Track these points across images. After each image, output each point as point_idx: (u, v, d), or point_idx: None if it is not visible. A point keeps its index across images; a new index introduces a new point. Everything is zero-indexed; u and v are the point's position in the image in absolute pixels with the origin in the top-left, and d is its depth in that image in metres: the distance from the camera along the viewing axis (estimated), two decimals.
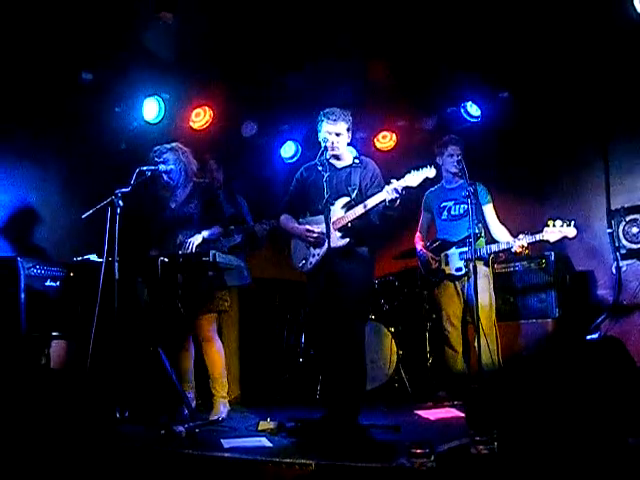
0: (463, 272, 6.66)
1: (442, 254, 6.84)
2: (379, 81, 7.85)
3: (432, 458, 3.32)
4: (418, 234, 7.20)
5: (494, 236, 6.66)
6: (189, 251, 5.84)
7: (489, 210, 6.75)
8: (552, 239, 6.23)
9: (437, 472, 3.37)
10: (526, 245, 6.37)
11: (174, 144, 6.22)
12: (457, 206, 6.85)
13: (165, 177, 6.06)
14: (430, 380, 7.38)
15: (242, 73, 7.47)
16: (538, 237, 6.29)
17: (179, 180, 6.13)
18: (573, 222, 6.21)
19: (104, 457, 4.18)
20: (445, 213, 6.95)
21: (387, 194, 5.11)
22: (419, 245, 7.12)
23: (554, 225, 6.20)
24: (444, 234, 6.91)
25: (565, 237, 6.21)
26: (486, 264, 6.63)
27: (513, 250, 6.44)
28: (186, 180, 6.18)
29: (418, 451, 3.37)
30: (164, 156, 6.07)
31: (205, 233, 5.99)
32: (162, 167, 5.93)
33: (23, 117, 6.69)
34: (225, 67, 7.35)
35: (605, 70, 7.32)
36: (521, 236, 6.40)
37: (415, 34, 6.98)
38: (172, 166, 6.07)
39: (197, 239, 5.92)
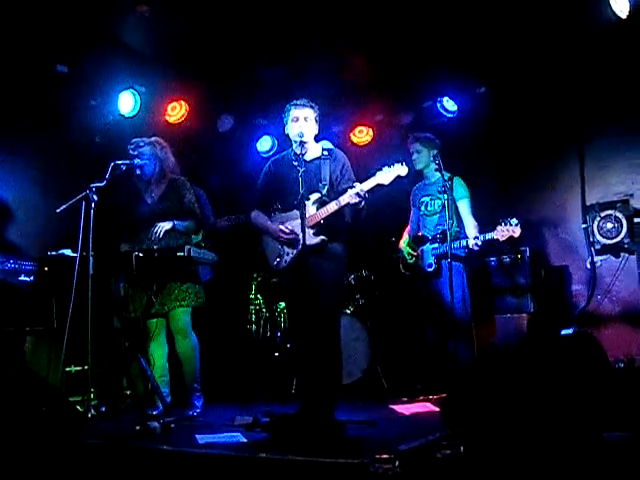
0: (434, 268, 6.69)
1: (419, 249, 6.88)
2: (356, 75, 7.84)
3: (397, 464, 3.31)
4: (406, 230, 7.24)
5: (466, 232, 6.69)
6: (157, 235, 5.82)
7: (462, 205, 6.76)
8: (501, 238, 6.31)
9: (402, 477, 3.36)
10: (480, 244, 6.45)
11: (154, 138, 6.17)
12: (433, 201, 6.88)
13: (137, 171, 6.01)
14: (406, 374, 7.39)
15: (218, 67, 7.45)
16: (488, 236, 6.39)
17: (152, 175, 6.09)
18: (519, 223, 6.25)
19: (76, 454, 4.15)
20: (423, 208, 6.99)
21: (350, 198, 5.06)
22: (401, 241, 7.18)
23: (504, 224, 6.25)
24: (423, 229, 6.96)
25: (511, 237, 6.28)
26: (459, 260, 6.65)
27: (472, 248, 6.51)
28: (161, 176, 6.13)
29: (383, 456, 3.34)
30: (140, 149, 6.02)
31: (176, 222, 5.97)
32: (137, 161, 5.89)
33: None
34: (201, 61, 7.33)
35: (581, 67, 7.37)
36: (476, 234, 6.50)
37: (393, 29, 6.98)
38: (146, 160, 6.02)
39: (167, 225, 5.90)
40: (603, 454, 3.69)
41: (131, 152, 6.00)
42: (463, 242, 6.55)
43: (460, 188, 6.81)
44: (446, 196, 6.40)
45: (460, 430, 3.87)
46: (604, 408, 3.92)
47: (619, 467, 3.54)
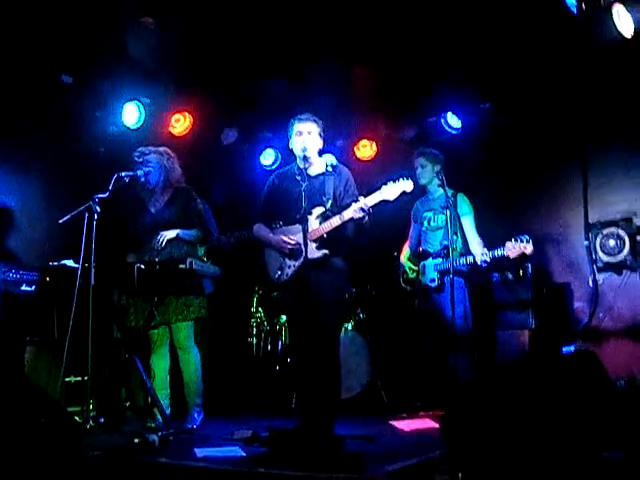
0: (436, 283, 6.69)
1: (420, 264, 6.87)
2: (360, 90, 7.85)
3: None
4: (406, 244, 7.22)
5: (470, 249, 6.68)
6: (160, 244, 5.84)
7: (466, 222, 6.76)
8: (512, 255, 6.29)
9: None
10: (489, 260, 6.43)
11: (162, 148, 6.19)
12: (436, 216, 6.88)
13: (143, 178, 6.02)
14: (406, 390, 7.38)
15: (223, 80, 7.46)
16: (498, 253, 6.36)
17: (157, 184, 6.09)
18: (531, 240, 6.25)
19: (74, 466, 4.14)
20: (425, 223, 6.98)
21: (354, 212, 5.05)
22: (401, 255, 7.16)
23: (515, 241, 6.25)
24: (425, 244, 6.96)
25: (523, 253, 6.26)
26: (461, 276, 6.64)
27: (479, 264, 6.50)
28: (166, 185, 6.14)
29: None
30: (146, 157, 6.04)
31: (180, 231, 5.97)
32: (140, 172, 5.90)
33: (3, 120, 6.63)
34: (206, 73, 7.34)
35: (585, 85, 7.37)
36: (484, 251, 6.47)
37: (398, 44, 6.99)
38: (151, 168, 6.03)
39: (171, 233, 5.92)
40: (603, 473, 3.68)
41: (136, 159, 6.02)
42: (470, 258, 6.54)
43: (464, 204, 6.81)
44: (449, 212, 6.43)
45: (459, 448, 3.86)
46: (604, 427, 3.91)
47: None
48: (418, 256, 6.94)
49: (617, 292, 7.61)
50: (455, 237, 6.64)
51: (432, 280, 6.75)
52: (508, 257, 6.33)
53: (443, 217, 6.65)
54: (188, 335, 6.03)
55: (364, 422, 6.37)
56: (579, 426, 3.76)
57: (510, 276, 7.57)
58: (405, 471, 4.02)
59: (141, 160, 6.01)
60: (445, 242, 6.53)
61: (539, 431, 3.63)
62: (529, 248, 6.24)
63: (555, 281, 8.03)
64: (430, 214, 6.93)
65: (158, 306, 5.83)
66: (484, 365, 6.93)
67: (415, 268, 6.92)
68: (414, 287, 6.95)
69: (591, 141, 7.83)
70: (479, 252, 6.53)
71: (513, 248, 6.26)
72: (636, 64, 6.75)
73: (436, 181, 6.77)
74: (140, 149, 6.11)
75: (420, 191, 6.99)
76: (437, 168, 6.78)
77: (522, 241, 6.23)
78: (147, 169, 6.01)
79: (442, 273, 6.63)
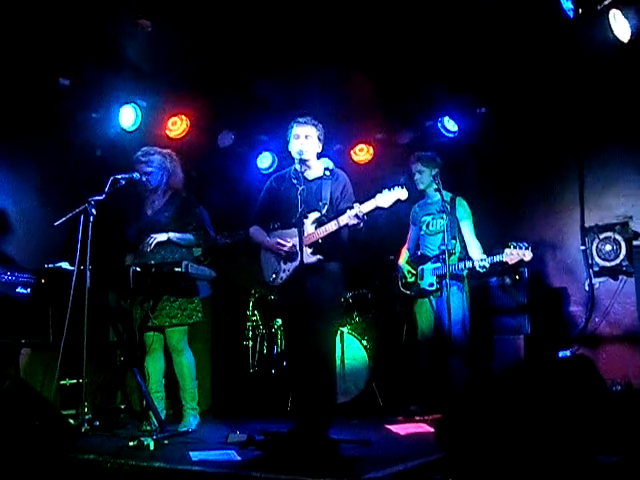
0: (435, 287, 6.69)
1: (419, 268, 6.87)
2: (357, 93, 7.85)
3: None
4: (404, 248, 7.22)
5: (469, 253, 6.68)
6: (149, 244, 5.84)
7: (465, 226, 6.77)
8: (510, 261, 6.33)
9: None
10: (487, 266, 6.45)
11: (166, 151, 6.19)
12: (434, 221, 6.87)
13: (143, 178, 6.00)
14: (402, 394, 7.37)
15: (220, 83, 7.45)
16: (497, 259, 6.39)
17: (158, 185, 6.08)
18: (530, 246, 6.27)
19: (68, 469, 4.13)
20: (424, 227, 6.97)
21: (349, 219, 5.06)
22: (400, 259, 7.16)
23: (513, 247, 6.26)
24: (423, 248, 6.95)
25: (522, 260, 6.29)
26: (460, 280, 6.64)
27: (478, 270, 6.52)
28: (166, 188, 6.13)
29: None
30: (150, 157, 6.03)
31: (171, 234, 5.96)
32: (136, 175, 5.87)
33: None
34: (203, 76, 7.33)
35: (582, 89, 7.38)
36: (483, 257, 6.50)
37: (395, 48, 6.99)
38: (154, 169, 6.02)
39: (161, 236, 5.91)
40: (596, 478, 3.68)
41: (140, 158, 6.01)
42: (469, 263, 6.54)
43: (463, 209, 6.83)
44: (445, 216, 6.45)
45: (454, 452, 3.85)
46: (599, 432, 3.91)
47: None
48: (417, 260, 6.93)
49: (613, 297, 7.62)
50: (454, 241, 6.65)
51: (431, 284, 6.74)
52: (506, 263, 6.35)
53: (442, 221, 6.64)
54: (181, 338, 6.02)
55: (359, 426, 6.38)
56: (574, 431, 3.76)
57: (508, 281, 7.57)
58: (400, 476, 4.02)
59: (145, 160, 6.01)
60: (444, 247, 6.53)
61: (534, 436, 3.63)
62: (528, 255, 6.26)
63: (551, 285, 8.03)
64: (429, 218, 6.93)
65: (153, 309, 5.82)
66: (481, 370, 6.93)
67: (414, 272, 6.91)
68: (412, 291, 6.93)
69: (587, 146, 7.86)
70: (478, 257, 6.54)
71: (512, 254, 6.28)
72: (633, 68, 6.76)
73: (434, 185, 6.77)
74: (145, 148, 6.12)
75: (418, 195, 6.99)
76: (434, 172, 6.79)
77: (521, 248, 6.26)
78: (149, 169, 6.00)
79: (441, 277, 6.61)
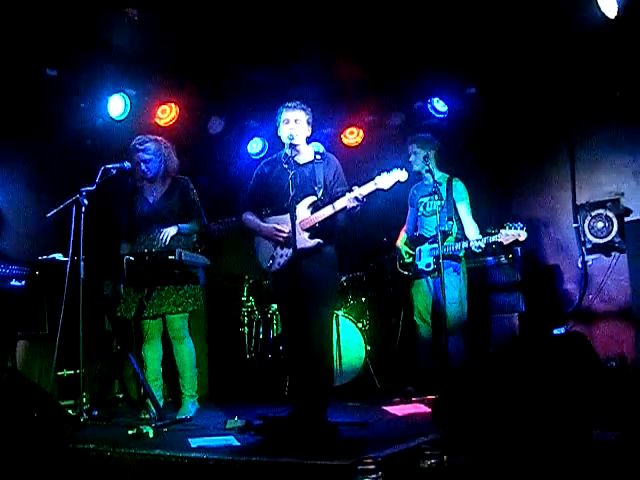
0: (432, 268, 6.71)
1: (417, 249, 6.89)
2: (346, 76, 7.84)
3: (380, 474, 3.29)
4: (403, 229, 7.24)
5: (466, 234, 6.70)
6: (163, 242, 5.85)
7: (462, 207, 6.79)
8: (505, 241, 6.38)
9: None
10: (483, 246, 6.50)
11: (159, 137, 6.18)
12: (431, 202, 6.86)
13: (143, 166, 6.00)
14: (399, 375, 7.40)
15: (208, 69, 7.44)
16: (493, 239, 6.43)
17: (156, 173, 6.08)
18: (525, 227, 6.31)
19: (68, 459, 4.15)
20: (421, 208, 6.99)
21: (348, 202, 5.06)
22: (398, 240, 7.18)
23: (509, 228, 6.30)
24: (421, 229, 6.98)
25: (516, 240, 6.33)
26: (457, 261, 6.68)
27: (473, 250, 6.55)
28: (165, 175, 6.13)
29: (367, 467, 3.31)
30: (146, 145, 6.02)
31: (180, 226, 5.98)
32: (127, 164, 5.83)
33: None
34: (191, 63, 7.32)
35: (571, 67, 7.39)
36: (479, 237, 6.55)
37: (383, 30, 6.98)
38: (152, 156, 6.02)
39: (172, 230, 5.92)
40: (592, 454, 3.71)
41: (137, 146, 6.00)
42: (465, 244, 6.58)
43: (459, 190, 6.84)
44: (436, 197, 6.48)
45: (451, 431, 3.88)
46: (595, 407, 3.94)
47: (608, 467, 3.56)
48: (414, 241, 6.96)
49: (606, 273, 7.65)
50: (451, 223, 6.69)
51: (428, 265, 6.76)
52: (501, 243, 6.38)
53: (439, 202, 6.66)
54: (183, 326, 6.03)
55: (357, 408, 6.39)
56: (569, 408, 3.78)
57: (504, 260, 7.59)
58: (398, 456, 4.04)
59: (142, 147, 5.99)
60: (441, 228, 6.55)
61: (530, 413, 3.66)
62: (522, 235, 6.30)
63: (545, 263, 8.07)
64: (426, 199, 6.93)
65: (148, 297, 5.82)
66: (477, 349, 6.96)
67: (411, 252, 6.93)
68: (410, 271, 6.95)
69: (578, 123, 7.87)
70: (474, 237, 6.58)
71: (507, 235, 6.32)
72: (621, 45, 6.77)
73: (432, 166, 6.80)
74: (140, 137, 6.10)
75: (415, 176, 6.98)
76: (431, 154, 6.83)
77: (516, 228, 6.29)
78: (147, 157, 5.99)
79: (438, 258, 6.61)
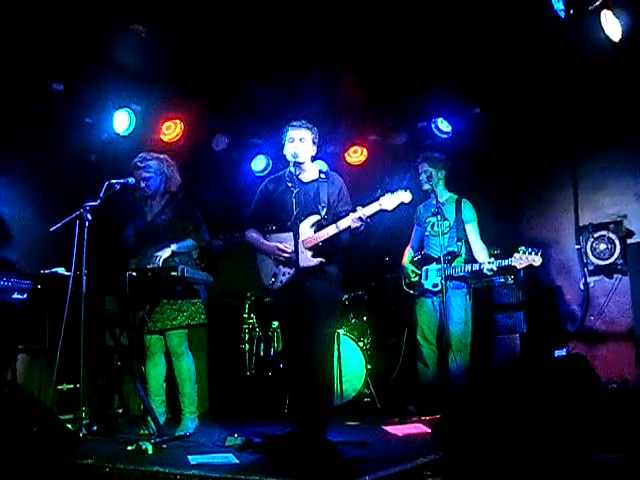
0: (439, 288, 6.64)
1: (423, 268, 6.87)
2: (350, 96, 7.86)
3: None
4: (408, 247, 7.22)
5: (474, 255, 6.68)
6: (157, 265, 5.80)
7: (471, 229, 6.78)
8: (519, 266, 6.31)
9: None
10: (495, 269, 6.46)
11: (162, 155, 6.18)
12: (440, 222, 6.84)
13: (142, 184, 6.01)
14: (399, 395, 7.38)
15: (214, 86, 7.46)
16: (506, 263, 6.37)
17: (156, 190, 6.08)
18: (540, 251, 6.26)
19: (67, 474, 4.14)
20: (429, 228, 6.96)
21: (352, 222, 5.07)
22: (404, 258, 7.16)
23: (523, 252, 6.25)
24: (428, 248, 6.95)
25: (531, 265, 6.27)
26: (463, 282, 6.66)
27: (484, 272, 6.53)
28: (164, 192, 6.14)
29: None
30: (148, 162, 6.03)
31: (174, 246, 5.93)
32: (131, 180, 5.86)
33: None
34: (197, 80, 7.34)
35: (575, 90, 7.40)
36: (491, 260, 6.49)
37: (388, 49, 7.01)
38: (152, 174, 6.03)
39: (166, 252, 5.87)
40: (593, 476, 3.70)
41: (138, 164, 6.01)
42: (476, 266, 6.55)
43: (468, 211, 6.84)
44: (440, 217, 6.49)
45: (452, 452, 3.87)
46: (596, 430, 3.93)
47: None
48: (421, 260, 6.94)
49: (608, 295, 7.64)
50: (460, 243, 6.68)
51: (435, 285, 6.73)
52: (515, 267, 6.34)
53: (447, 223, 6.66)
54: (182, 342, 6.00)
55: (357, 428, 6.37)
56: (570, 430, 3.77)
57: (511, 281, 7.57)
58: (397, 477, 4.03)
59: (143, 165, 6.00)
60: (450, 248, 6.55)
61: (531, 435, 3.65)
62: (538, 261, 6.23)
63: (547, 285, 8.05)
64: (434, 219, 6.86)
65: (150, 313, 5.82)
66: (481, 370, 6.94)
67: (417, 271, 6.91)
68: (415, 290, 6.93)
69: (581, 145, 7.88)
70: (483, 259, 6.56)
71: (521, 259, 6.26)
72: (625, 68, 6.79)
73: (440, 186, 6.80)
74: (142, 154, 6.11)
75: (423, 195, 6.98)
76: (442, 173, 6.85)
77: (531, 253, 6.23)
78: (148, 174, 6.00)
79: (445, 278, 6.59)
